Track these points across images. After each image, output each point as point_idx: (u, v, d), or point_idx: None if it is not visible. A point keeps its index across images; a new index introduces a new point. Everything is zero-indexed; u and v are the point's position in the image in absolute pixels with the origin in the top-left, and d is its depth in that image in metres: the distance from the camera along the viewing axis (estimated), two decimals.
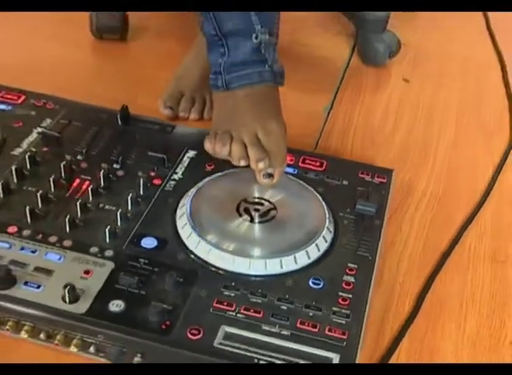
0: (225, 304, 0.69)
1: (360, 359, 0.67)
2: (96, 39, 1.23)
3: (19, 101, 0.95)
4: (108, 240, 0.75)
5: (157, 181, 0.84)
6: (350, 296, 0.72)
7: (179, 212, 0.79)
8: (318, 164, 0.89)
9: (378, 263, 0.78)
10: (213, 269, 0.73)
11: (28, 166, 0.83)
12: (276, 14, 0.90)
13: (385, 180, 0.88)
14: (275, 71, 0.88)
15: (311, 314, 0.69)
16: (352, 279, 0.74)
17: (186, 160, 0.88)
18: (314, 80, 1.19)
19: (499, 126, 1.12)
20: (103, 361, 0.69)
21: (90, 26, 1.22)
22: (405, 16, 1.39)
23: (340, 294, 0.72)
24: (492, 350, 0.75)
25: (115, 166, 0.85)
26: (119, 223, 0.77)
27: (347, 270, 0.75)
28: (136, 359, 0.68)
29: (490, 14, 1.44)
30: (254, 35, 0.86)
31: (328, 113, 1.11)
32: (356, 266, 0.75)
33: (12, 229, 0.75)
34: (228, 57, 0.88)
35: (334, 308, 0.70)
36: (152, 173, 0.85)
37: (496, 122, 1.13)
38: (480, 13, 1.45)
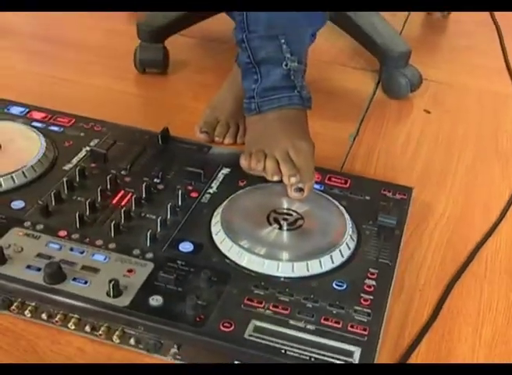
0: (255, 301, 0.75)
1: (379, 359, 0.73)
2: (139, 72, 1.33)
3: (70, 124, 1.04)
4: (148, 243, 0.82)
5: (194, 194, 0.91)
6: (371, 297, 0.77)
7: (213, 220, 0.86)
8: (342, 181, 0.96)
9: (398, 272, 0.84)
10: (245, 270, 0.80)
11: (77, 179, 0.91)
12: (305, 44, 0.99)
13: (405, 197, 0.94)
14: (303, 96, 0.96)
15: (334, 312, 0.75)
16: (373, 282, 0.79)
17: (220, 176, 0.95)
18: (340, 111, 1.26)
19: None
20: (142, 352, 0.75)
21: (134, 61, 1.32)
22: (426, 51, 1.48)
23: (362, 295, 0.77)
24: (508, 355, 0.80)
25: (155, 180, 0.93)
26: (158, 229, 0.84)
27: (369, 274, 0.80)
28: (173, 351, 0.74)
29: (508, 50, 1.51)
30: (284, 63, 0.94)
31: (354, 140, 1.18)
32: (377, 271, 0.81)
33: (63, 233, 0.83)
34: (260, 83, 0.96)
35: (356, 307, 0.76)
36: (189, 187, 0.92)
37: None
38: (499, 48, 1.52)
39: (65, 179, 0.90)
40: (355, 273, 0.81)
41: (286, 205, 0.89)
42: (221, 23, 1.25)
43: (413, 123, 1.26)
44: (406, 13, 1.69)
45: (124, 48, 1.35)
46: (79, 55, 1.40)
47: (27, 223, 0.83)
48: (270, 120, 0.95)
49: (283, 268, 0.79)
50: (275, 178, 0.90)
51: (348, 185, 0.96)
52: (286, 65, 0.95)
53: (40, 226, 0.83)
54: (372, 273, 0.81)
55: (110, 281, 0.74)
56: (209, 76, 1.34)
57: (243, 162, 0.93)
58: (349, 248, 0.83)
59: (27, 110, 1.06)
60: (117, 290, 0.74)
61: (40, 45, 1.43)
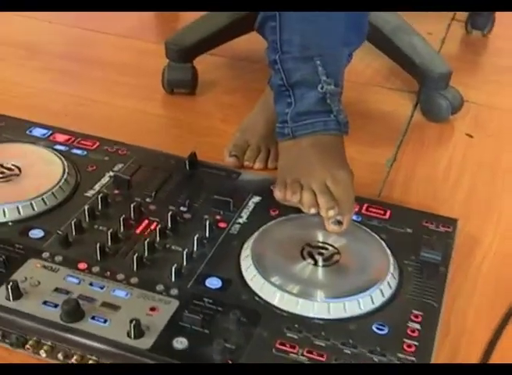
0: (288, 345, 0.69)
1: None
2: (167, 93, 1.28)
3: (94, 147, 0.99)
4: (173, 279, 0.76)
5: (222, 224, 0.85)
6: (416, 343, 0.70)
7: (243, 253, 0.80)
8: (381, 212, 0.90)
9: (444, 311, 0.77)
10: (276, 310, 0.73)
11: (100, 207, 0.86)
12: (341, 66, 0.93)
13: (450, 229, 0.87)
14: (340, 121, 0.90)
15: (375, 359, 0.68)
16: (417, 326, 0.73)
17: (251, 205, 0.89)
18: (376, 134, 1.20)
19: None
20: None
21: (161, 81, 1.27)
22: (466, 71, 1.41)
23: (405, 340, 0.71)
24: None
25: (182, 208, 0.88)
26: (184, 263, 0.78)
27: (412, 317, 0.74)
28: None
29: None
30: (319, 86, 0.89)
31: (391, 165, 1.12)
32: (421, 313, 0.74)
33: (83, 265, 0.77)
34: (294, 107, 0.91)
35: (399, 355, 0.69)
36: (218, 217, 0.86)
37: None
38: None
39: (86, 207, 0.85)
40: (397, 315, 0.74)
41: (321, 238, 0.83)
42: (251, 41, 1.21)
43: (454, 148, 1.19)
44: (443, 32, 1.62)
45: (153, 68, 1.31)
46: (106, 74, 1.36)
47: (46, 254, 0.78)
48: (305, 147, 0.89)
49: (318, 308, 0.73)
50: (313, 211, 0.84)
51: (388, 216, 0.89)
52: (322, 88, 0.89)
53: (59, 258, 0.78)
54: (416, 316, 0.74)
55: (131, 321, 0.68)
56: (239, 98, 1.29)
57: (278, 194, 0.87)
58: (390, 287, 0.77)
59: (50, 132, 1.02)
60: (138, 330, 0.69)
61: (68, 64, 1.39)
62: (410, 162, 1.14)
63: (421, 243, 0.84)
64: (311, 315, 0.73)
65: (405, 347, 0.70)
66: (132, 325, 0.68)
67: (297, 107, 0.90)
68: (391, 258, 0.80)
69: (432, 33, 1.53)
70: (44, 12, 1.51)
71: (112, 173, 0.93)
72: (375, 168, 1.11)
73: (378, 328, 0.72)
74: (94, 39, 1.51)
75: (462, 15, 1.66)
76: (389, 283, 0.76)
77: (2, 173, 0.90)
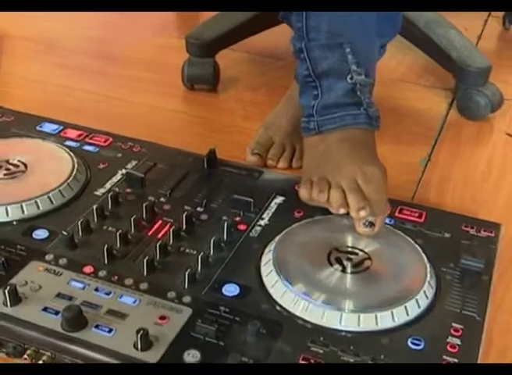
0: (313, 361, 0.62)
1: None
2: (187, 89, 1.22)
3: (106, 144, 0.93)
4: (186, 285, 0.69)
5: (242, 226, 0.78)
6: (456, 360, 0.63)
7: (264, 258, 0.73)
8: (416, 215, 0.82)
9: (487, 325, 0.69)
10: (300, 321, 0.66)
11: (110, 206, 0.80)
12: (374, 55, 0.86)
13: (492, 234, 0.79)
14: (371, 114, 0.83)
15: None
16: (458, 341, 0.65)
17: (273, 206, 0.82)
18: (410, 133, 1.12)
19: None
20: None
21: (181, 76, 1.21)
22: (505, 68, 1.32)
23: (444, 357, 0.63)
24: None
25: (198, 209, 0.81)
26: (199, 268, 0.71)
27: (452, 331, 0.66)
28: None
29: None
30: (349, 76, 0.81)
31: (426, 165, 1.04)
32: (462, 327, 0.66)
33: (89, 269, 0.71)
34: (321, 99, 0.84)
35: None
36: (237, 218, 0.80)
37: None
38: None
39: (95, 206, 0.78)
40: (435, 328, 0.66)
41: (350, 243, 0.75)
42: (276, 37, 1.15)
43: (494, 148, 1.10)
44: (479, 28, 1.54)
45: (174, 63, 1.25)
46: (125, 70, 1.31)
47: (49, 256, 0.72)
48: (332, 142, 0.81)
49: (347, 320, 0.65)
50: (342, 211, 0.75)
51: (423, 219, 0.81)
52: (352, 78, 0.81)
53: (63, 261, 0.72)
54: (456, 329, 0.66)
55: (138, 331, 0.61)
56: (262, 95, 1.22)
57: (303, 192, 0.79)
58: (427, 297, 0.69)
59: (61, 128, 0.96)
60: (146, 342, 0.62)
61: (86, 60, 1.34)
62: (446, 161, 1.06)
63: (460, 249, 0.76)
64: (338, 327, 0.65)
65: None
66: (139, 335, 0.61)
67: (324, 99, 0.83)
68: (428, 265, 0.72)
69: (467, 29, 1.44)
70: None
71: (124, 171, 0.87)
72: (409, 168, 1.03)
73: (413, 343, 0.64)
74: (114, 35, 1.46)
75: None
76: (425, 292, 0.69)
77: (8, 169, 0.84)
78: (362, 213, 0.74)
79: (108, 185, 0.85)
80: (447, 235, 0.79)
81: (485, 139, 1.13)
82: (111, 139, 0.94)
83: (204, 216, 0.80)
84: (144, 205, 0.79)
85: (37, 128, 0.96)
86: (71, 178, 0.83)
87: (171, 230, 0.76)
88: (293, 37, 0.86)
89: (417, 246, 0.75)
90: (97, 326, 0.64)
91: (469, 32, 1.44)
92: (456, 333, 0.66)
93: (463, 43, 1.19)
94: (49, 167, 0.86)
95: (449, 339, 0.65)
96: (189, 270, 0.69)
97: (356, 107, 0.82)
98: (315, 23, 0.82)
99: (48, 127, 0.96)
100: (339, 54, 0.81)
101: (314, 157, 0.84)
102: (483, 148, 1.11)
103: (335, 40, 0.81)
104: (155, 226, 0.78)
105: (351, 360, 0.62)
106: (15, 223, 0.77)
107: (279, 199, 0.84)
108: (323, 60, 0.82)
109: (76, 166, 0.86)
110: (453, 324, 0.67)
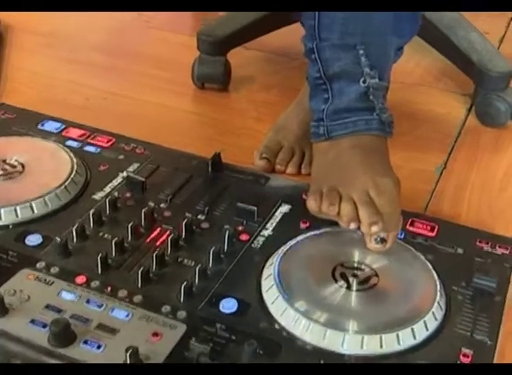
0: None
1: None
2: (197, 88, 1.19)
3: (109, 145, 0.90)
4: (182, 299, 0.66)
5: (244, 236, 0.75)
6: None
7: (265, 272, 0.69)
8: (428, 228, 0.78)
9: (499, 350, 0.64)
10: (299, 342, 0.62)
11: (107, 212, 0.77)
12: (389, 58, 0.81)
13: (508, 252, 0.75)
14: (384, 120, 0.78)
15: None
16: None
17: (278, 215, 0.79)
18: (425, 139, 1.08)
19: None
20: None
21: (191, 75, 1.18)
22: None
23: None
24: None
25: (199, 216, 0.77)
26: (196, 281, 0.68)
27: (461, 356, 0.62)
28: None
29: None
30: (361, 79, 0.77)
31: (441, 174, 1.00)
32: (472, 352, 0.62)
33: (81, 279, 0.68)
34: (332, 103, 0.80)
35: None
36: (240, 227, 0.76)
37: None
38: None
39: (92, 211, 0.75)
40: (443, 353, 0.62)
41: (357, 257, 0.71)
42: (290, 35, 1.10)
43: None
44: (501, 32, 1.48)
45: (185, 61, 1.21)
46: (135, 67, 1.27)
47: (41, 264, 0.69)
48: (343, 149, 0.77)
49: (350, 342, 0.62)
50: (352, 226, 0.71)
51: (435, 233, 0.77)
52: (364, 81, 0.77)
53: (55, 269, 0.69)
54: (466, 355, 0.62)
55: (127, 350, 0.58)
56: (275, 95, 1.18)
57: (312, 204, 0.75)
58: (436, 319, 0.65)
59: (63, 127, 0.93)
60: (135, 360, 0.59)
61: (95, 56, 1.30)
62: (462, 169, 1.02)
63: (473, 266, 0.72)
64: (340, 350, 0.62)
65: None
66: (128, 354, 0.58)
67: (335, 103, 0.79)
68: (438, 284, 0.68)
69: (488, 32, 1.39)
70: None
71: (125, 174, 0.84)
72: (423, 176, 0.99)
73: None
74: (125, 31, 1.42)
75: None
76: (434, 314, 0.65)
77: (4, 169, 0.81)
78: (374, 229, 0.70)
79: (107, 188, 0.82)
80: (460, 251, 0.75)
81: (504, 146, 1.09)
82: (113, 140, 0.91)
83: (205, 225, 0.76)
84: (143, 211, 0.76)
85: (39, 126, 0.93)
86: (69, 180, 0.80)
87: (169, 239, 0.72)
88: (304, 36, 0.82)
89: (427, 262, 0.71)
90: (85, 342, 0.61)
91: (490, 35, 1.39)
92: (465, 359, 0.62)
93: (484, 46, 1.14)
94: (47, 168, 0.83)
95: None
96: (185, 283, 0.66)
97: (368, 112, 0.78)
98: (328, 21, 0.78)
99: (50, 126, 0.93)
100: (352, 55, 0.77)
101: (324, 164, 0.80)
102: (502, 156, 1.06)
103: (348, 40, 0.77)
104: (153, 234, 0.75)
105: None
106: (8, 227, 0.74)
107: (285, 208, 0.80)
108: (335, 61, 0.78)
109: (75, 167, 0.83)
110: (463, 349, 0.63)
